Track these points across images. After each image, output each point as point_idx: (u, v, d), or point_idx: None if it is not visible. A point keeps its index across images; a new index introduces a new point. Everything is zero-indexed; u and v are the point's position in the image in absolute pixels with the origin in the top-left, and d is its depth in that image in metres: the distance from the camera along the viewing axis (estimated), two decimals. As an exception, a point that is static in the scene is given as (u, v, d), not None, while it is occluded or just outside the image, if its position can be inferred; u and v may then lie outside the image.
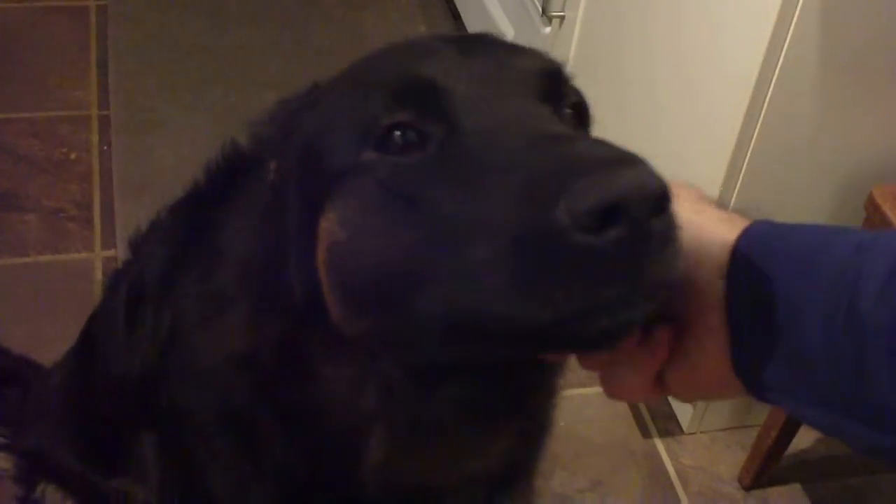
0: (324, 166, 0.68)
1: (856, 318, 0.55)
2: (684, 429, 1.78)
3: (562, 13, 1.93)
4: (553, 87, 0.69)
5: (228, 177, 0.86)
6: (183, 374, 0.86)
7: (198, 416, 0.85)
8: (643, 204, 0.53)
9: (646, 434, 1.78)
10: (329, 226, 0.66)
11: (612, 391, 0.66)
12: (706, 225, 0.62)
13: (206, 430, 0.85)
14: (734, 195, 1.48)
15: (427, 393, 0.71)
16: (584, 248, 0.53)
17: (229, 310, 0.79)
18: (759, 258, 0.60)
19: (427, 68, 0.66)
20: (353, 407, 0.73)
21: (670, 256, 0.56)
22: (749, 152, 1.44)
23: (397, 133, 0.64)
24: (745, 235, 0.62)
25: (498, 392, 0.73)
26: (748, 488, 1.71)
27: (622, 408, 1.80)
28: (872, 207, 1.36)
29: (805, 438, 1.72)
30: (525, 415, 0.79)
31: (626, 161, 0.55)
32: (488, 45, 0.72)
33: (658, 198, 0.54)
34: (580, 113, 0.76)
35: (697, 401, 1.72)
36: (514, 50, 0.72)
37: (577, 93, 0.75)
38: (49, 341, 1.17)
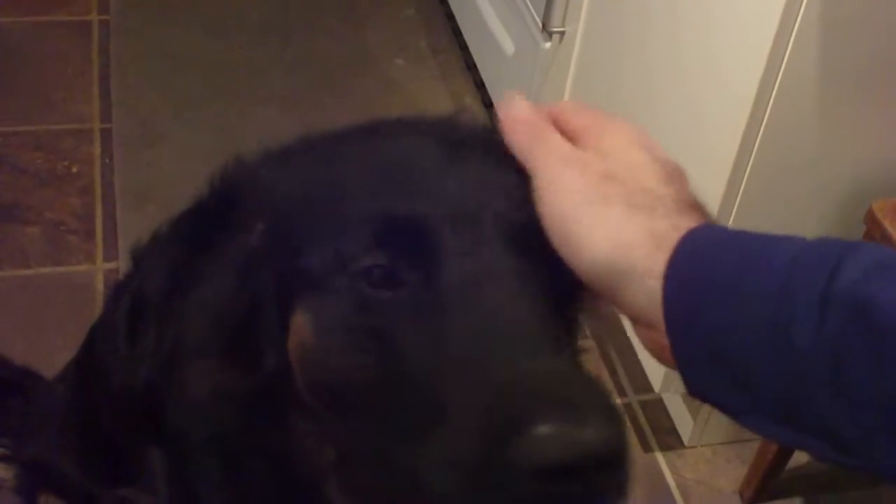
0: (301, 264, 0.68)
1: (793, 352, 0.53)
2: (685, 442, 1.79)
3: (562, 28, 1.94)
4: (530, 239, 0.66)
5: (227, 201, 0.87)
6: (177, 395, 0.86)
7: (189, 436, 0.86)
8: (598, 469, 0.52)
9: (646, 448, 1.78)
10: (299, 325, 0.67)
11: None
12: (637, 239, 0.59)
13: (197, 450, 0.86)
14: (734, 210, 1.49)
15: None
16: (532, 488, 0.53)
17: (206, 352, 0.79)
18: (692, 286, 0.58)
19: (411, 204, 0.65)
20: (317, 456, 0.73)
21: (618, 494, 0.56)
22: (748, 167, 1.44)
23: (374, 270, 0.64)
24: (673, 267, 0.58)
25: None
26: (749, 502, 1.70)
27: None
28: (872, 222, 1.36)
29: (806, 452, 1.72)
30: None
31: (591, 409, 0.54)
32: (478, 151, 0.69)
33: (614, 460, 0.53)
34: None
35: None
36: (499, 159, 0.68)
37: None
38: (51, 353, 1.17)
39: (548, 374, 0.56)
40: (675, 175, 0.65)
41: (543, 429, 0.52)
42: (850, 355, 0.52)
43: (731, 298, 0.56)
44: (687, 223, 0.60)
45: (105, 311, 1.04)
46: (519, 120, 0.66)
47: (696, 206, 0.64)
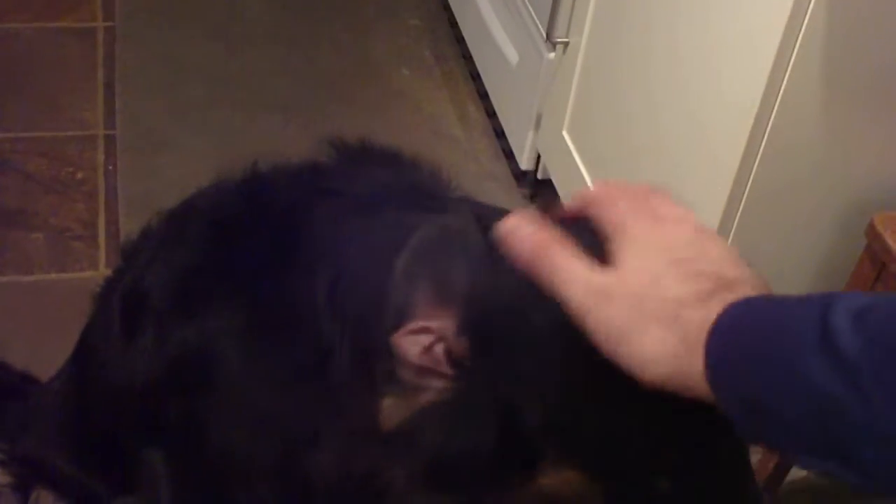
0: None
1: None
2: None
3: (566, 39, 1.94)
4: None
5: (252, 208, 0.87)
6: (229, 414, 0.86)
7: (244, 462, 0.85)
8: None
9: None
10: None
11: None
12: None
13: (251, 478, 0.86)
14: (735, 222, 1.49)
15: None
16: None
17: None
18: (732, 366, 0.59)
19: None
20: None
21: None
22: (750, 180, 1.45)
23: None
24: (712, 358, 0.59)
25: None
26: (748, 515, 1.70)
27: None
28: (873, 235, 1.36)
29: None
30: None
31: None
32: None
33: None
34: None
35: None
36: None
37: None
38: (53, 359, 1.17)
39: None
40: (715, 250, 0.65)
41: None
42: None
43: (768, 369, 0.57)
44: (717, 309, 0.60)
45: (96, 307, 1.04)
46: (528, 244, 0.65)
47: (737, 280, 0.64)
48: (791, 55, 1.34)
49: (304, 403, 0.79)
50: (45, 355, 1.23)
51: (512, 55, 2.21)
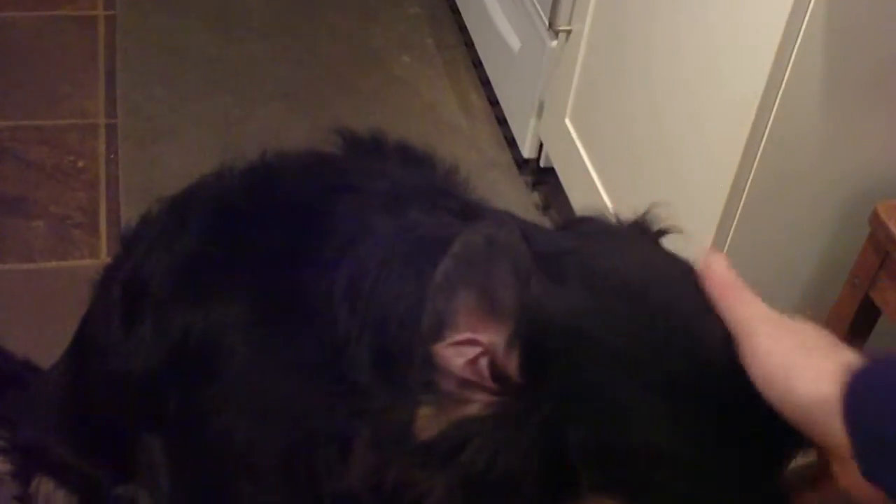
0: None
1: None
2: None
3: (569, 27, 1.94)
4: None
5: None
6: (234, 404, 0.85)
7: (249, 453, 0.85)
8: None
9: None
10: None
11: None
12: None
13: (256, 470, 0.85)
14: (738, 212, 1.48)
15: None
16: None
17: None
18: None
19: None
20: None
21: None
22: (753, 169, 1.44)
23: None
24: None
25: None
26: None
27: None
28: (877, 223, 1.36)
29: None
30: None
31: None
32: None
33: None
34: None
35: None
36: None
37: None
38: (53, 347, 1.17)
39: None
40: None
41: None
42: None
43: None
44: (846, 357, 0.64)
45: (96, 294, 1.04)
46: (719, 278, 0.70)
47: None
48: (794, 44, 1.33)
49: (315, 397, 0.79)
50: (45, 343, 1.23)
51: (514, 43, 2.20)
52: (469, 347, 0.64)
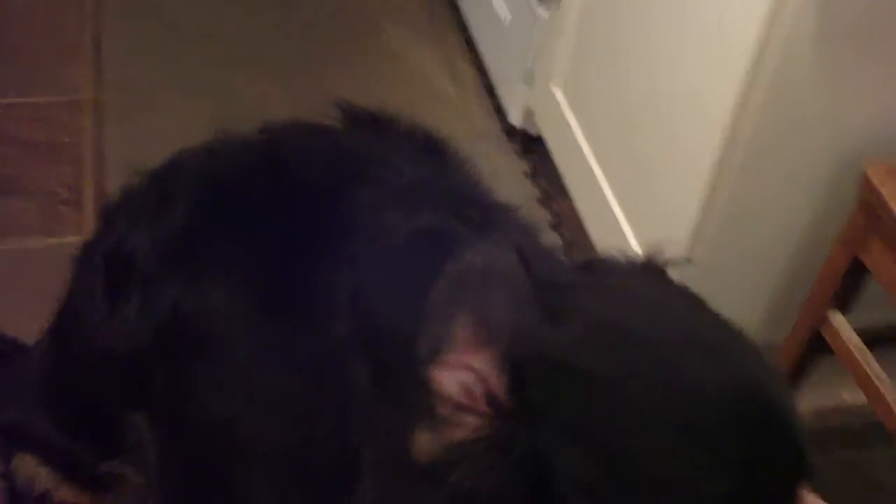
0: None
1: None
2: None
3: (559, -5, 1.92)
4: None
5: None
6: (222, 386, 0.84)
7: (252, 441, 0.84)
8: None
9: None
10: None
11: None
12: None
13: (253, 454, 0.85)
14: (729, 175, 1.48)
15: None
16: None
17: None
18: None
19: None
20: None
21: None
22: (744, 133, 1.43)
23: None
24: None
25: None
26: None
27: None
28: (868, 187, 1.35)
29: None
30: None
31: None
32: None
33: None
34: None
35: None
36: None
37: None
38: (38, 323, 1.16)
39: None
40: None
41: None
42: None
43: None
44: None
45: (77, 270, 1.02)
46: None
47: None
48: (786, 5, 1.32)
49: (314, 398, 0.78)
50: (30, 320, 1.22)
51: (505, 14, 2.18)
52: (464, 372, 0.65)
